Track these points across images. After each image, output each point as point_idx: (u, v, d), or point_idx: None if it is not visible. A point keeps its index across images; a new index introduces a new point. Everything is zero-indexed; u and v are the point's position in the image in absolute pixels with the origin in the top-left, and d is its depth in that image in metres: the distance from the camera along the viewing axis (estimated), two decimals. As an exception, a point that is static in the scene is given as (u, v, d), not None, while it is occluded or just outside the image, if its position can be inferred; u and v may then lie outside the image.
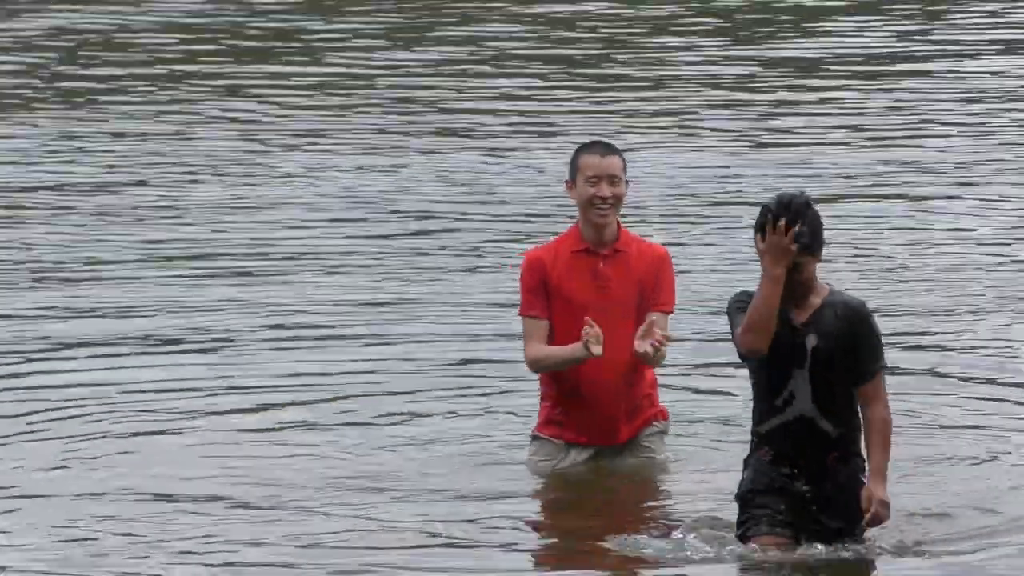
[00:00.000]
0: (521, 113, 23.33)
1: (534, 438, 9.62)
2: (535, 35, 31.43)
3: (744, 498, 7.57)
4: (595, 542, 8.92)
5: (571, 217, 10.12)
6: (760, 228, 7.26)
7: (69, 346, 13.96)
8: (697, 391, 11.81)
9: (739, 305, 7.49)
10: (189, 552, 9.04)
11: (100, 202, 19.93)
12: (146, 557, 8.75)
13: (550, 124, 22.18)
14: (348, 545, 9.25)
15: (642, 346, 8.88)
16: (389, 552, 8.90)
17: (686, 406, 11.13)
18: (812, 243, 7.20)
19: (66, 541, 9.41)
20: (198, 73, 28.49)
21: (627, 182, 9.40)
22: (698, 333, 12.65)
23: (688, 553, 8.10)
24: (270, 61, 29.92)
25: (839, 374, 7.35)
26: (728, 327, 7.54)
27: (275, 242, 17.05)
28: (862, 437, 7.45)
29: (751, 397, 7.57)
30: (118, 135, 24.44)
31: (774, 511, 7.57)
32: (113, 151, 23.39)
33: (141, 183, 20.60)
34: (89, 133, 24.70)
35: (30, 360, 13.45)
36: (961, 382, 12.18)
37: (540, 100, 24.45)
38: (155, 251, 17.20)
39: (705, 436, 10.77)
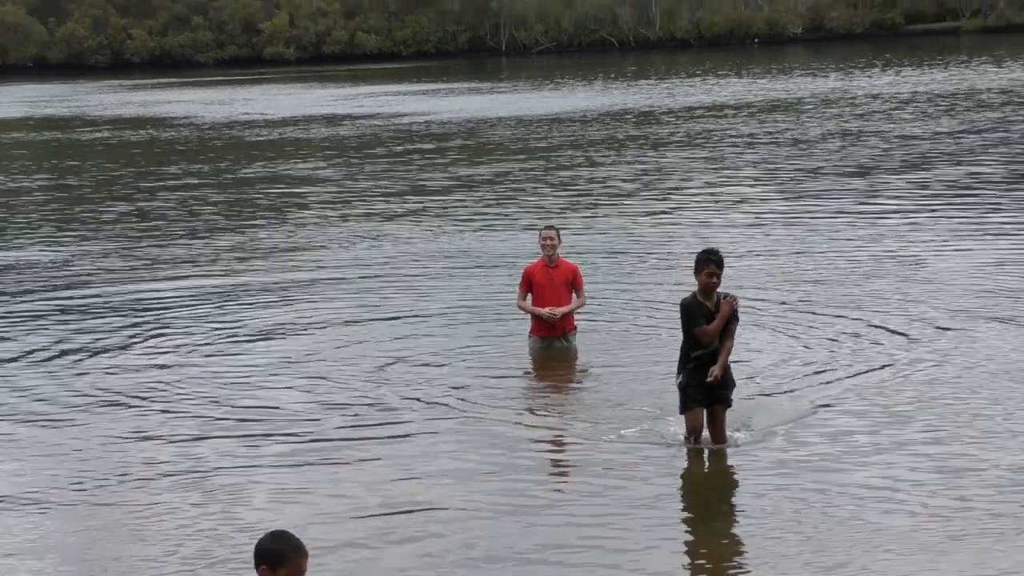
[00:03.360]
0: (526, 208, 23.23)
1: (530, 336, 11.81)
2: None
3: (684, 389, 8.70)
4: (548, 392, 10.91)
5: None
6: (699, 269, 8.55)
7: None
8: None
9: (688, 311, 8.57)
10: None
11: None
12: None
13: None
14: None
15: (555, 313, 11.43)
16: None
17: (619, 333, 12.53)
18: (721, 273, 8.59)
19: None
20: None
21: (560, 239, 11.67)
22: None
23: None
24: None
25: (728, 328, 8.61)
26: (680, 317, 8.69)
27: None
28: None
29: (681, 339, 8.73)
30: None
31: (698, 393, 8.64)
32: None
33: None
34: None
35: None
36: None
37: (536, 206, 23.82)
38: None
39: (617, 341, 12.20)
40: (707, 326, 8.56)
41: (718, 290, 8.68)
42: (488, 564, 7.25)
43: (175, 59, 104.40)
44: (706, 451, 8.89)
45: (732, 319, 8.68)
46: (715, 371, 8.56)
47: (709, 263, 8.51)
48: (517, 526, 7.77)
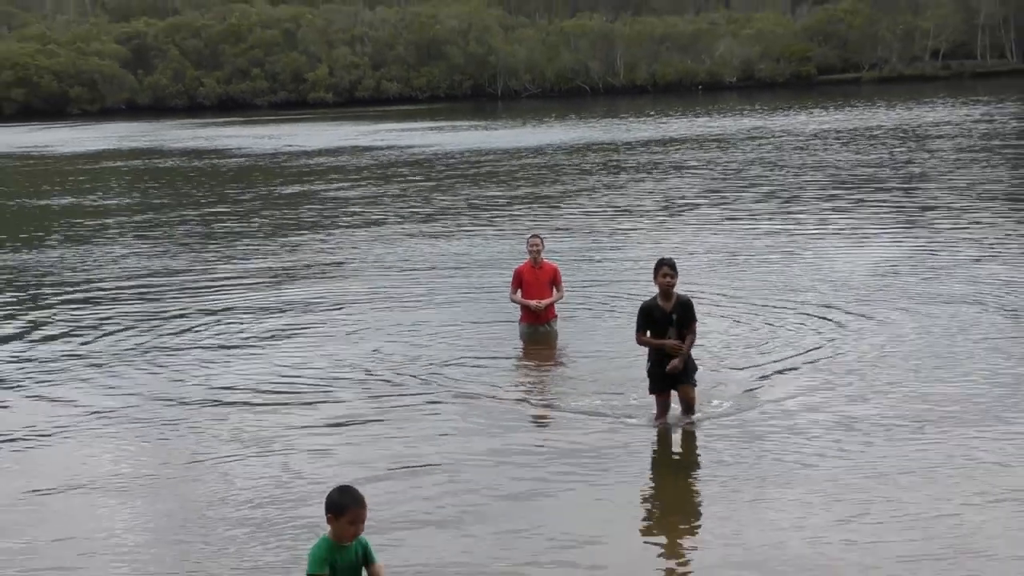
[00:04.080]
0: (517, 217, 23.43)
1: (520, 323, 11.61)
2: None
3: (650, 373, 8.32)
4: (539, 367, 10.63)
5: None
6: (657, 272, 8.13)
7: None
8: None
9: (642, 313, 8.21)
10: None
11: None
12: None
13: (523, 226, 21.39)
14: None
15: (540, 304, 11.34)
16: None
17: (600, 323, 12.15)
18: (675, 276, 8.12)
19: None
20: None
21: (544, 245, 11.57)
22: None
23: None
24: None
25: (683, 325, 8.20)
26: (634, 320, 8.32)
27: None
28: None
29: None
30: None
31: (661, 377, 8.26)
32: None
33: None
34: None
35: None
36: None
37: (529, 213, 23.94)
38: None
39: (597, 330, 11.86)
40: (642, 336, 8.18)
41: (677, 292, 8.24)
42: (483, 511, 7.07)
43: (238, 102, 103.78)
44: (669, 423, 8.46)
45: (690, 319, 8.21)
46: (675, 364, 8.15)
47: (663, 266, 8.15)
48: (508, 480, 7.56)
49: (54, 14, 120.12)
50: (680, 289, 8.45)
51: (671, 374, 8.19)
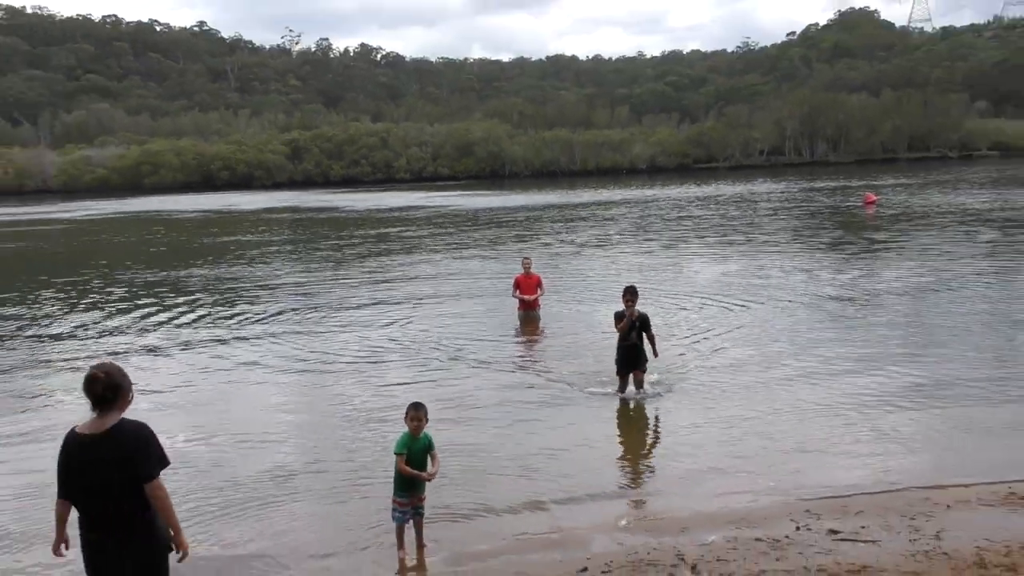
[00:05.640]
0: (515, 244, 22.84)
1: (517, 310, 10.88)
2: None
3: (617, 362, 7.29)
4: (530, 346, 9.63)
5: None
6: (624, 296, 7.11)
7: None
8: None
9: (616, 318, 7.24)
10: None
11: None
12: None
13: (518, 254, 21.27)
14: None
15: (530, 298, 10.72)
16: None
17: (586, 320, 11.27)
18: (635, 299, 7.08)
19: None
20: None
21: (532, 262, 11.16)
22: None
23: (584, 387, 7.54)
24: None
25: (643, 330, 7.22)
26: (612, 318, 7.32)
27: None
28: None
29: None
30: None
31: (623, 364, 7.25)
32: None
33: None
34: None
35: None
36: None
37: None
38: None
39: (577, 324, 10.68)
40: (617, 325, 7.24)
41: (637, 308, 7.30)
42: (489, 430, 6.75)
43: (353, 180, 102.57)
44: (628, 397, 7.49)
45: (649, 327, 7.24)
46: (656, 352, 7.27)
47: (626, 292, 7.24)
48: (508, 411, 7.20)
49: (246, 128, 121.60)
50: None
51: (630, 360, 7.27)
